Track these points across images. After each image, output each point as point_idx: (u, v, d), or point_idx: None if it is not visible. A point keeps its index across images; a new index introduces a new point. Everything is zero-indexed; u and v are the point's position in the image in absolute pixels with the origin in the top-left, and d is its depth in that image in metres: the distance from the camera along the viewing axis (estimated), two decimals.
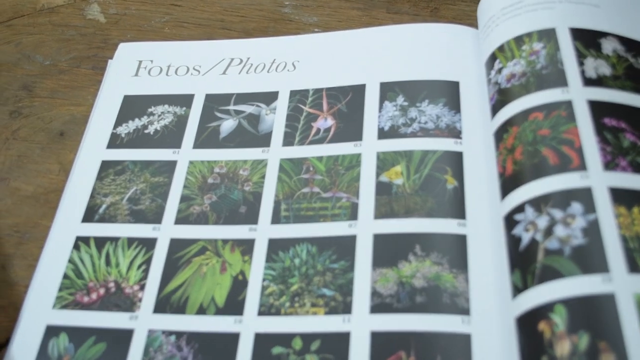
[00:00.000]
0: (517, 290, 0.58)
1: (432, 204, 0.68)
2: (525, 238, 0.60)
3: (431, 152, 0.71)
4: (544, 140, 0.64)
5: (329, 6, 0.92)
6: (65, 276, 0.69)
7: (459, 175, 0.69)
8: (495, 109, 0.69)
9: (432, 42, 0.80)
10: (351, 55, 0.82)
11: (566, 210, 0.59)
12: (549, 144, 0.63)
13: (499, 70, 0.71)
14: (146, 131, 0.79)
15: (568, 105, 0.65)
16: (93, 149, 0.78)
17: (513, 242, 0.61)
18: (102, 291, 0.68)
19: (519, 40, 0.71)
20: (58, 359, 0.64)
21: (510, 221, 0.62)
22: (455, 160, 0.70)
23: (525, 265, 0.59)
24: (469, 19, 0.88)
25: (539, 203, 0.60)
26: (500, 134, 0.67)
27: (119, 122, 0.80)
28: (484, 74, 0.74)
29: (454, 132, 0.72)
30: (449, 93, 0.75)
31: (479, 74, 0.76)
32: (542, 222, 0.59)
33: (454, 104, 0.74)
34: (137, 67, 0.85)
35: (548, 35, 0.70)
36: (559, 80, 0.67)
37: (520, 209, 0.62)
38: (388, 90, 0.77)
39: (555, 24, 0.71)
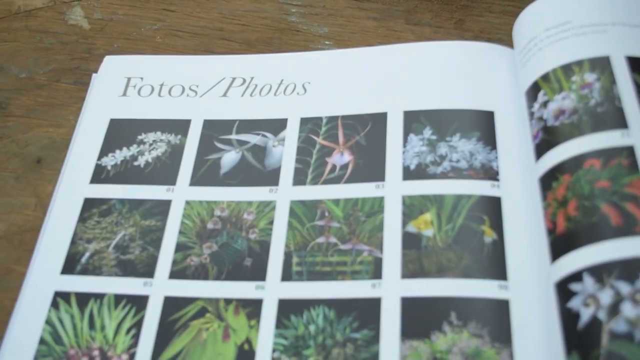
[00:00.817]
0: None
1: (469, 261, 0.58)
2: (585, 315, 0.51)
3: (465, 197, 0.62)
4: (603, 195, 0.54)
5: (341, 15, 0.81)
6: (42, 341, 0.59)
7: (497, 226, 0.60)
8: (541, 149, 0.60)
9: (462, 63, 0.71)
10: (370, 78, 0.72)
11: (635, 283, 0.50)
12: (609, 200, 0.54)
13: (544, 104, 0.61)
14: (136, 163, 0.69)
15: (630, 151, 0.56)
16: (74, 183, 0.68)
17: (569, 317, 0.52)
18: None
19: (567, 69, 0.62)
20: None
21: (563, 290, 0.53)
22: (493, 208, 0.61)
23: (586, 349, 0.50)
24: (497, 33, 0.78)
25: (601, 272, 0.51)
26: (548, 181, 0.58)
27: (104, 151, 0.70)
28: (524, 104, 0.65)
29: (491, 173, 0.63)
30: (483, 125, 0.66)
31: (517, 104, 0.66)
32: (606, 297, 0.50)
33: (489, 139, 0.65)
34: (125, 86, 0.75)
35: (602, 65, 0.61)
36: (618, 120, 0.57)
37: (576, 277, 0.53)
38: (413, 121, 0.67)
39: (609, 51, 0.62)
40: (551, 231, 0.57)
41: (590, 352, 0.50)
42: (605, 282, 0.51)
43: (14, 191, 0.71)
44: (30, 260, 0.65)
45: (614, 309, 0.50)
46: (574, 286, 0.53)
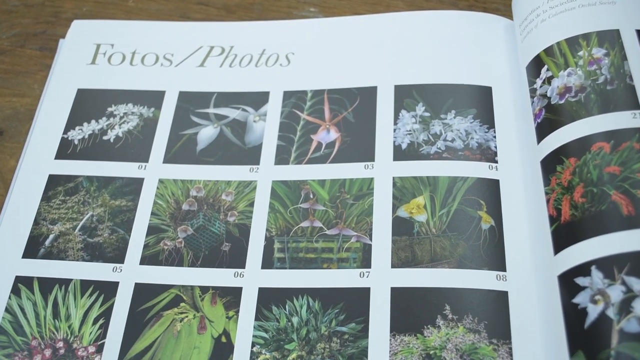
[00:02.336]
0: None
1: (464, 250, 0.54)
2: (593, 312, 0.47)
3: (461, 179, 0.57)
4: (613, 181, 0.50)
5: None
6: (1, 330, 0.55)
7: (496, 211, 0.56)
8: (544, 129, 0.56)
9: (457, 35, 0.66)
10: (358, 49, 0.67)
11: None
12: (619, 187, 0.50)
13: (548, 80, 0.57)
14: (105, 137, 0.64)
15: None
16: (38, 158, 0.63)
17: (574, 314, 0.48)
18: (48, 353, 0.54)
19: (573, 42, 0.57)
20: None
21: (568, 284, 0.49)
22: (491, 191, 0.57)
23: (594, 349, 0.46)
24: (494, 2, 0.74)
25: (610, 266, 0.47)
26: (552, 164, 0.54)
27: (71, 123, 0.65)
28: (525, 80, 0.60)
29: (488, 154, 0.58)
30: (480, 102, 0.61)
31: (516, 80, 0.62)
32: (616, 293, 0.46)
33: (487, 117, 0.60)
34: (94, 53, 0.69)
35: (611, 39, 0.56)
36: (629, 100, 0.53)
37: (583, 270, 0.48)
38: (405, 96, 0.63)
39: (619, 23, 0.57)
40: (554, 219, 0.52)
41: (598, 353, 0.46)
42: (616, 277, 0.47)
43: None
44: None
45: (625, 307, 0.46)
46: (581, 280, 0.49)
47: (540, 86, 0.58)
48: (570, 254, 0.50)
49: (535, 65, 0.59)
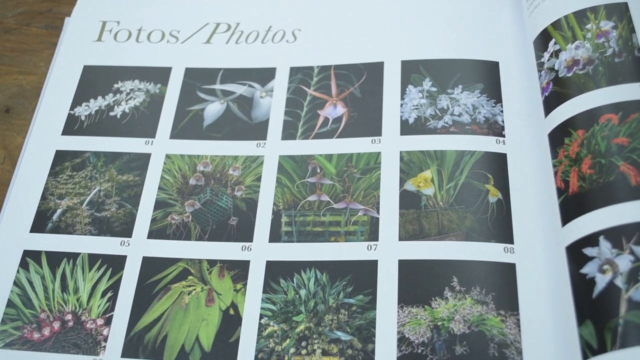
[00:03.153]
0: (591, 350, 0.45)
1: (472, 222, 0.54)
2: (601, 282, 0.47)
3: (468, 153, 0.57)
4: (621, 152, 0.50)
5: None
6: (10, 304, 0.55)
7: (503, 184, 0.56)
8: (551, 102, 0.56)
9: (465, 10, 0.66)
10: (365, 24, 0.67)
11: None
12: (628, 158, 0.50)
13: (555, 54, 0.57)
14: (112, 113, 0.64)
15: None
16: (45, 134, 0.63)
17: (582, 284, 0.48)
18: (56, 325, 0.54)
19: (580, 16, 0.57)
20: None
21: (576, 255, 0.49)
22: (498, 165, 0.57)
23: (602, 318, 0.46)
24: None
25: (619, 236, 0.47)
26: (559, 136, 0.54)
27: (77, 100, 0.65)
28: (531, 55, 0.60)
29: (495, 128, 0.58)
30: (486, 77, 0.61)
31: (523, 54, 0.62)
32: (625, 262, 0.46)
33: (494, 92, 0.60)
34: (100, 30, 0.69)
35: (619, 12, 0.56)
36: (637, 72, 0.53)
37: (590, 240, 0.48)
38: (412, 71, 0.63)
39: None
40: (562, 191, 0.52)
41: (607, 322, 0.46)
42: (624, 247, 0.47)
43: None
44: None
45: (634, 276, 0.46)
46: (588, 251, 0.49)
47: (548, 60, 0.58)
48: (578, 225, 0.50)
49: (543, 39, 0.59)
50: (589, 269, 0.48)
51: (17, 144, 0.65)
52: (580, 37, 0.56)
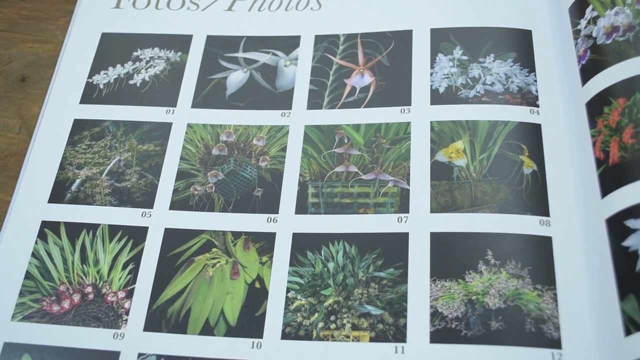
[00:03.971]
0: (634, 326, 0.43)
1: (506, 194, 0.52)
2: None
3: (501, 123, 0.55)
4: None
5: None
6: (29, 275, 0.53)
7: (538, 155, 0.54)
8: (589, 71, 0.54)
9: None
10: None
11: None
12: None
13: (593, 20, 0.55)
14: (131, 82, 0.62)
15: None
16: (63, 103, 0.61)
17: (624, 257, 0.46)
18: (76, 298, 0.52)
19: None
20: None
21: (617, 227, 0.47)
22: (533, 135, 0.55)
23: None
24: None
25: None
26: (598, 105, 0.52)
27: (95, 68, 0.63)
28: (566, 22, 0.58)
29: (529, 98, 0.56)
30: (519, 45, 0.59)
31: (557, 22, 0.59)
32: None
33: (527, 60, 0.58)
34: None
35: None
36: None
37: (633, 212, 0.47)
38: (442, 40, 0.60)
39: None
40: (602, 162, 0.50)
41: None
42: None
43: None
44: (14, 188, 0.59)
45: None
46: (631, 223, 0.47)
47: (585, 27, 0.56)
48: (619, 196, 0.48)
49: (579, 6, 0.57)
50: (631, 242, 0.46)
51: (34, 113, 0.64)
52: (619, 2, 0.54)
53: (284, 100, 0.60)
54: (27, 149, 0.61)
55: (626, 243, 0.46)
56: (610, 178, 0.49)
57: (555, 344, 0.47)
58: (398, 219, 0.53)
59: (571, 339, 0.47)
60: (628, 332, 0.44)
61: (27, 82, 0.66)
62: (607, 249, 0.48)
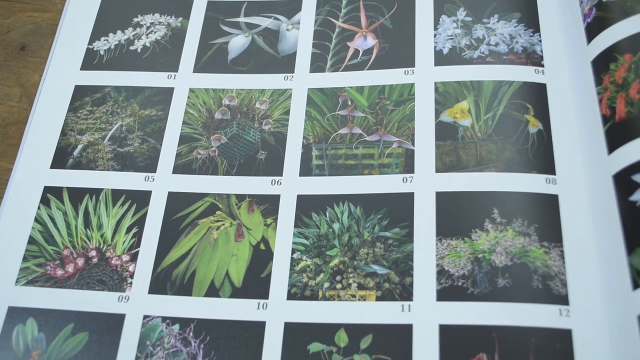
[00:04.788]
0: None
1: (512, 153, 0.52)
2: None
3: (506, 83, 0.55)
4: None
5: None
6: (32, 240, 0.53)
7: (543, 114, 0.53)
8: (594, 28, 0.53)
9: None
10: None
11: None
12: None
13: None
14: (132, 48, 0.61)
15: None
16: (63, 70, 0.61)
17: (631, 211, 0.46)
18: (80, 262, 0.52)
19: None
20: (25, 354, 0.49)
21: (624, 182, 0.47)
22: (538, 95, 0.54)
23: None
24: None
25: None
26: (604, 62, 0.51)
27: (96, 34, 0.62)
28: None
29: (534, 58, 0.56)
30: (523, 6, 0.59)
31: None
32: None
33: (532, 21, 0.58)
34: None
35: None
36: None
37: None
38: (445, 1, 0.60)
39: None
40: (608, 118, 0.50)
41: None
42: None
43: None
44: (16, 156, 0.58)
45: None
46: (638, 177, 0.46)
47: None
48: (626, 152, 0.48)
49: None
50: (639, 196, 0.46)
51: (34, 81, 0.63)
52: None
53: (286, 64, 0.59)
54: (28, 117, 0.60)
55: (633, 197, 0.46)
56: (617, 134, 0.49)
57: (563, 300, 0.47)
58: (403, 179, 0.53)
59: (578, 295, 0.47)
60: (636, 286, 0.44)
61: (26, 51, 0.65)
62: (614, 204, 0.47)
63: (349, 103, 0.57)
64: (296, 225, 0.52)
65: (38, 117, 0.59)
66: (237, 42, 0.61)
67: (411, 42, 0.58)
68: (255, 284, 0.50)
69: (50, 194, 0.55)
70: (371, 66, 0.58)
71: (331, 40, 0.60)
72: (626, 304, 0.44)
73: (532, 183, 0.51)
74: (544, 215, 0.50)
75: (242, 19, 0.62)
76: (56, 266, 0.52)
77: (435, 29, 0.59)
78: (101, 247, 0.52)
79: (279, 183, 0.54)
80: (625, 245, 0.46)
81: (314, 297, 0.49)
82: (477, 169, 0.52)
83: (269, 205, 0.53)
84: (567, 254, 0.48)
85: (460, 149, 0.53)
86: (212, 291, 0.50)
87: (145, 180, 0.55)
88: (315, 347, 0.48)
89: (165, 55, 0.61)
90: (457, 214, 0.50)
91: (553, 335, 0.46)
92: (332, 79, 0.58)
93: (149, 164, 0.55)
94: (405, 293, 0.48)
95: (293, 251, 0.51)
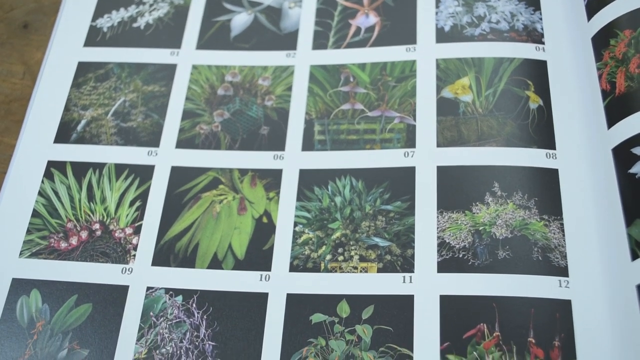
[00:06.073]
0: None
1: (512, 128, 0.52)
2: None
3: (507, 60, 0.55)
4: None
5: None
6: (36, 214, 0.53)
7: (543, 90, 0.54)
8: (593, 5, 0.54)
9: None
10: None
11: None
12: None
13: None
14: (135, 25, 0.62)
15: None
16: (67, 47, 0.61)
17: (630, 184, 0.46)
18: (84, 235, 0.52)
19: None
20: (29, 325, 0.49)
21: (624, 155, 0.47)
22: (538, 72, 0.55)
23: None
24: None
25: None
26: (604, 38, 0.52)
27: (99, 11, 0.63)
28: None
29: (535, 36, 0.56)
30: None
31: None
32: None
33: None
34: None
35: None
36: None
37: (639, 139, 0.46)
38: None
39: None
40: (608, 93, 0.50)
41: None
42: None
43: None
44: (19, 131, 0.59)
45: None
46: (638, 150, 0.47)
47: None
48: (626, 125, 0.48)
49: None
50: (638, 168, 0.46)
51: (37, 59, 0.63)
52: None
53: (288, 41, 0.59)
54: (31, 93, 0.60)
55: (633, 170, 0.47)
56: (617, 108, 0.49)
57: (562, 271, 0.47)
58: (405, 153, 0.53)
59: (578, 267, 0.47)
60: (635, 256, 0.44)
61: (29, 29, 0.66)
62: (613, 178, 0.48)
63: (351, 79, 0.57)
64: (298, 199, 0.52)
65: (41, 93, 0.59)
66: (240, 20, 0.61)
67: (412, 20, 0.59)
68: (257, 257, 0.51)
69: (54, 168, 0.55)
70: (373, 43, 0.58)
71: (333, 18, 0.60)
72: (625, 274, 0.45)
73: (532, 157, 0.51)
74: (544, 189, 0.50)
75: None
76: (60, 239, 0.52)
77: (437, 6, 0.59)
78: (105, 220, 0.53)
79: (281, 158, 0.54)
80: (624, 217, 0.46)
81: (316, 269, 0.50)
82: (478, 143, 0.52)
83: (271, 179, 0.53)
84: (566, 226, 0.49)
85: (461, 124, 0.53)
86: (215, 263, 0.51)
87: (148, 154, 0.55)
88: (317, 317, 0.48)
89: (168, 33, 0.61)
90: (458, 188, 0.51)
91: (552, 305, 0.46)
92: (334, 56, 0.58)
93: (152, 139, 0.56)
94: (406, 265, 0.49)
95: (295, 224, 0.52)
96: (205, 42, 0.60)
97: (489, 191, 0.50)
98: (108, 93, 0.58)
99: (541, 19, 0.57)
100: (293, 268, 0.50)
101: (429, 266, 0.49)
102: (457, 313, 0.47)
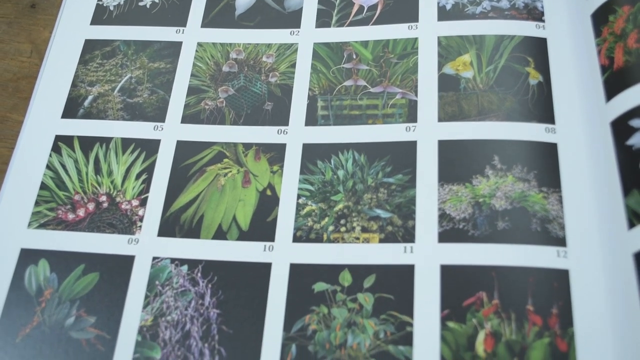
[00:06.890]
0: (638, 218, 0.45)
1: (512, 104, 0.53)
2: None
3: (507, 37, 0.56)
4: None
5: None
6: (44, 186, 0.54)
7: (543, 67, 0.55)
8: None
9: None
10: None
11: None
12: None
13: None
14: (141, 3, 0.63)
15: None
16: (74, 25, 0.62)
17: (628, 155, 0.47)
18: (91, 206, 0.53)
19: None
20: (37, 293, 0.50)
21: (621, 128, 0.48)
22: (538, 49, 0.55)
23: None
24: None
25: None
26: (603, 15, 0.53)
27: None
28: None
29: (535, 14, 0.57)
30: None
31: None
32: None
33: None
34: None
35: None
36: None
37: (637, 112, 0.47)
38: None
39: None
40: (606, 68, 0.51)
41: None
42: None
43: (6, 37, 0.65)
44: (27, 108, 0.59)
45: None
46: (635, 122, 0.48)
47: None
48: (624, 98, 0.49)
49: None
50: (635, 140, 0.47)
51: (44, 38, 0.64)
52: None
53: (292, 20, 0.60)
54: (39, 71, 0.61)
55: (630, 142, 0.47)
56: (615, 82, 0.50)
57: (560, 242, 0.48)
58: (406, 128, 0.54)
59: (576, 237, 0.48)
60: (632, 225, 0.45)
61: (37, 9, 0.66)
62: (611, 150, 0.49)
63: (354, 57, 0.58)
64: (302, 172, 0.53)
65: (49, 70, 0.60)
66: None
67: None
68: (261, 228, 0.51)
69: (62, 142, 0.56)
70: (376, 21, 0.59)
71: None
72: (622, 243, 0.46)
73: (532, 132, 0.52)
74: (543, 162, 0.51)
75: None
76: (67, 210, 0.53)
77: None
78: (111, 192, 0.54)
79: (285, 132, 0.55)
80: (622, 187, 0.47)
81: (318, 239, 0.51)
82: (479, 118, 0.53)
83: (275, 153, 0.54)
84: (565, 198, 0.50)
85: (462, 100, 0.54)
86: (220, 234, 0.52)
87: (154, 129, 0.56)
88: (320, 286, 0.49)
89: (173, 11, 0.62)
90: (458, 161, 0.52)
91: (550, 275, 0.47)
92: (337, 34, 0.59)
93: (158, 114, 0.57)
94: (407, 235, 0.50)
95: (298, 196, 0.52)
96: (210, 20, 0.61)
97: (489, 164, 0.51)
98: (115, 70, 0.59)
99: None
100: (296, 239, 0.51)
101: (430, 237, 0.49)
102: (457, 282, 0.47)
